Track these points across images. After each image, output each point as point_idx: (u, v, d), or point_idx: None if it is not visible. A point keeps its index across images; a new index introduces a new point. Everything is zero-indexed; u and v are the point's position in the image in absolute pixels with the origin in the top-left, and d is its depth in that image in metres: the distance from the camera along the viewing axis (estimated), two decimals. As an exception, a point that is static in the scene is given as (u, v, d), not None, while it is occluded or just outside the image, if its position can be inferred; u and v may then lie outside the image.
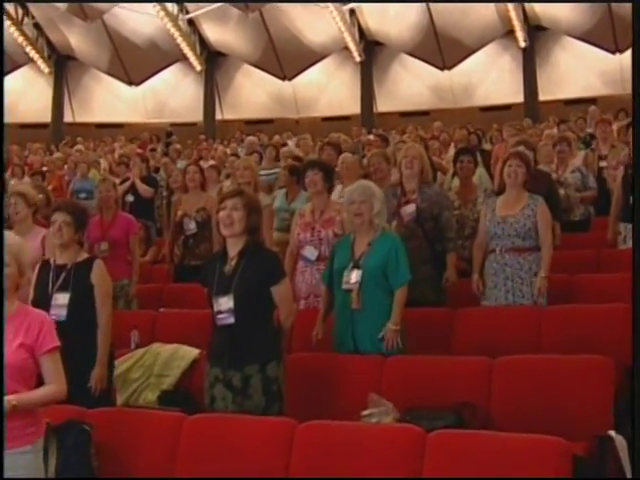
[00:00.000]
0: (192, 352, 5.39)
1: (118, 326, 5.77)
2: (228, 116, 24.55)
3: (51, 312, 4.73)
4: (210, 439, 4.22)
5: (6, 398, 3.47)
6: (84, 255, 5.22)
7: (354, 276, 5.07)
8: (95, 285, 5.05)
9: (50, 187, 10.69)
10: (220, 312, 4.58)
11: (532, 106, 21.49)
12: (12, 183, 11.37)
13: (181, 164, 12.29)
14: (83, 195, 10.77)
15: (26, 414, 3.57)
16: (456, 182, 7.48)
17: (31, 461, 3.60)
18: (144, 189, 9.93)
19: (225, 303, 4.55)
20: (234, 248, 4.65)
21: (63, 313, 4.91)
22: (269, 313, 4.67)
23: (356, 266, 5.10)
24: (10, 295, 3.67)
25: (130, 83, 24.75)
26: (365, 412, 4.40)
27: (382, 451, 3.89)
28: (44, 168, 12.87)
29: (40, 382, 3.68)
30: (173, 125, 22.03)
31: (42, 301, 4.81)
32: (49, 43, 24.78)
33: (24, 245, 3.80)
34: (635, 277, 3.93)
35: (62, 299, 4.96)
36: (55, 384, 3.66)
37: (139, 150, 14.73)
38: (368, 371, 4.94)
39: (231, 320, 4.54)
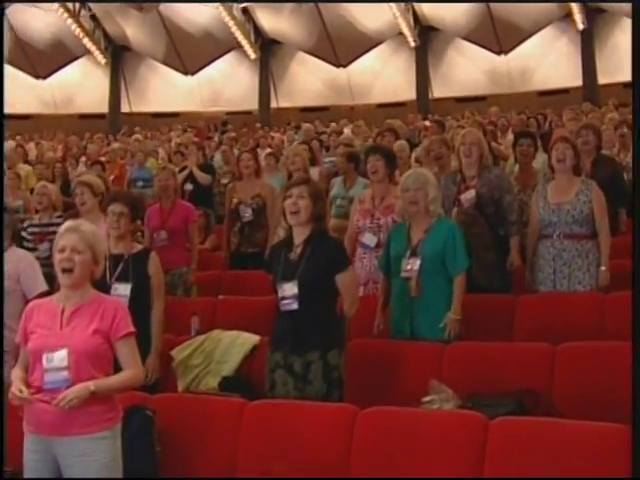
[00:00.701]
0: (252, 338, 5.41)
1: (178, 313, 5.86)
2: (283, 104, 24.60)
3: None
4: (271, 425, 4.24)
5: (85, 384, 3.53)
6: (138, 246, 5.32)
7: (412, 264, 5.04)
8: (152, 277, 5.17)
9: (111, 177, 10.83)
10: (284, 298, 4.59)
11: (591, 89, 21.17)
12: (75, 173, 11.55)
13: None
14: (140, 184, 10.86)
15: (105, 400, 3.63)
16: (517, 168, 7.38)
17: (110, 446, 3.65)
18: (202, 177, 9.97)
19: (289, 289, 4.56)
20: (300, 236, 4.67)
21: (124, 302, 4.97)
22: (333, 301, 4.67)
23: (414, 254, 5.07)
24: (85, 283, 3.72)
25: (186, 72, 24.92)
26: (426, 399, 4.40)
27: (444, 438, 3.87)
28: (102, 158, 13.00)
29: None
30: (228, 114, 22.14)
31: (99, 289, 4.87)
32: (105, 35, 25.07)
33: (98, 233, 3.84)
34: (635, 279, 3.93)
35: (123, 289, 5.03)
36: (132, 369, 3.71)
37: (195, 139, 14.80)
38: (428, 357, 4.91)
39: (295, 306, 4.55)
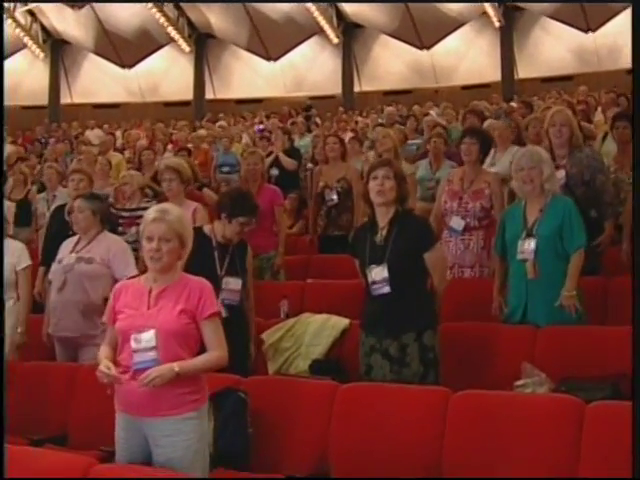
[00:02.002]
0: (342, 322, 5.42)
1: (267, 297, 5.91)
2: (366, 88, 24.48)
3: (223, 296, 4.93)
4: (363, 408, 4.24)
5: (169, 365, 3.58)
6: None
7: (529, 245, 4.93)
8: (247, 267, 5.25)
9: (196, 162, 10.96)
10: (375, 282, 4.57)
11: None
12: (164, 157, 11.70)
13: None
14: (226, 169, 10.93)
15: (191, 381, 3.68)
16: (607, 147, 7.21)
17: (196, 426, 3.70)
18: (288, 162, 9.99)
19: (379, 273, 4.54)
20: (384, 217, 4.64)
21: (236, 298, 5.10)
22: (423, 280, 4.64)
23: (530, 234, 4.96)
24: (172, 265, 3.77)
25: (269, 58, 25.00)
26: (519, 382, 4.35)
27: (539, 422, 3.82)
28: (189, 145, 13.16)
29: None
30: (312, 98, 22.10)
31: (210, 281, 4.96)
32: (189, 23, 25.29)
33: (184, 218, 3.88)
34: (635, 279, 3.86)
35: (234, 284, 5.11)
36: (216, 350, 3.74)
37: (280, 124, 14.86)
38: (520, 341, 4.85)
39: (386, 289, 4.53)
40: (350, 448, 4.21)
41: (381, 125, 9.29)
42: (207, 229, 5.25)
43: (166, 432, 3.64)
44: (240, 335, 4.91)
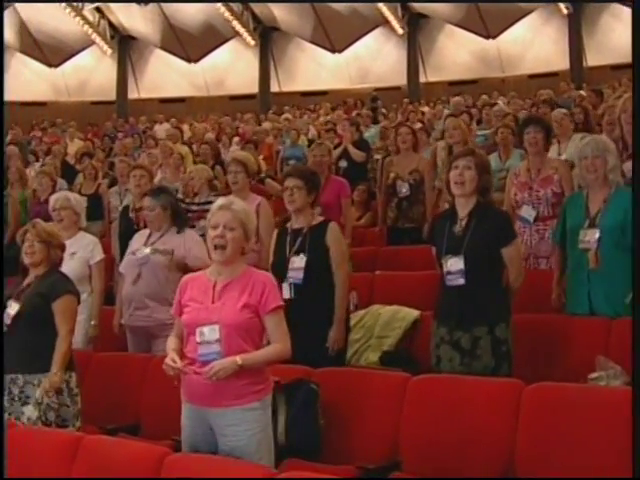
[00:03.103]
0: (412, 313, 5.40)
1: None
2: (431, 78, 24.31)
3: (288, 275, 4.91)
4: (434, 400, 4.22)
5: (233, 358, 3.63)
6: (319, 218, 5.29)
7: (591, 235, 4.87)
8: (330, 247, 5.08)
9: (261, 156, 11.01)
10: (450, 273, 4.53)
11: None
12: (229, 151, 11.79)
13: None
14: (293, 162, 10.94)
15: (253, 373, 3.71)
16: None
17: (260, 416, 3.74)
18: (356, 154, 9.94)
19: (455, 264, 4.50)
20: (464, 208, 4.61)
21: (300, 276, 5.02)
22: (499, 274, 4.58)
23: (592, 224, 4.89)
24: (236, 257, 3.81)
25: (333, 50, 24.99)
26: (592, 375, 4.28)
27: (614, 415, 3.75)
28: (254, 137, 13.22)
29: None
30: (376, 90, 22.03)
31: (280, 265, 4.97)
32: (254, 16, 25.41)
33: (249, 211, 3.93)
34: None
35: (298, 262, 5.05)
36: (279, 343, 3.78)
37: (345, 115, 14.84)
38: (594, 333, 4.77)
39: (461, 281, 4.49)
40: (421, 440, 4.19)
41: (452, 116, 9.19)
42: (289, 223, 5.28)
43: (230, 422, 3.69)
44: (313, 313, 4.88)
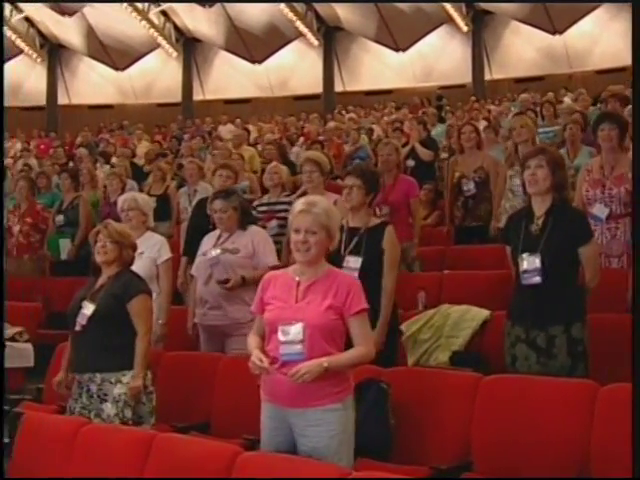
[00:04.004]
0: (483, 313, 5.34)
1: (404, 288, 5.85)
2: (497, 75, 24.06)
3: None
4: (507, 400, 4.17)
5: (318, 360, 3.61)
6: (375, 220, 5.30)
7: None
8: (386, 250, 5.10)
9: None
10: (526, 271, 4.49)
11: None
12: (295, 151, 11.83)
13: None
14: (356, 162, 10.91)
15: (335, 374, 3.69)
16: None
17: (341, 417, 3.73)
18: (424, 152, 9.88)
19: (531, 262, 4.46)
20: (541, 206, 4.56)
21: (354, 275, 5.01)
22: (575, 273, 4.53)
23: None
24: (320, 258, 3.80)
25: (397, 49, 24.90)
26: (670, 375, 4.17)
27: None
28: (321, 137, 13.24)
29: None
30: (441, 88, 21.92)
31: (334, 262, 4.94)
32: (317, 16, 25.46)
33: (332, 210, 3.88)
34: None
35: (354, 262, 5.05)
36: (363, 346, 3.76)
37: (410, 115, 14.78)
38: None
39: (537, 280, 4.45)
40: (493, 440, 4.15)
41: (520, 114, 9.08)
42: (344, 220, 5.28)
43: (311, 422, 3.68)
44: None
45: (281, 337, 3.69)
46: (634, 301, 3.78)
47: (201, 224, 6.43)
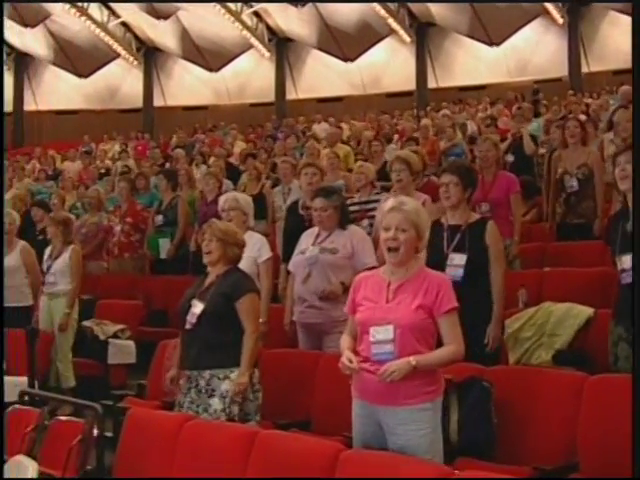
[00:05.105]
0: (586, 311, 5.23)
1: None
2: (594, 68, 23.55)
3: (447, 272, 4.86)
4: (613, 400, 4.06)
5: (407, 359, 3.63)
6: (475, 216, 5.25)
7: None
8: (489, 246, 5.10)
9: (424, 151, 10.91)
10: (624, 270, 4.43)
11: None
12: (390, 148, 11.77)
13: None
14: (452, 159, 10.80)
15: (426, 373, 3.70)
16: None
17: (430, 417, 3.73)
18: (529, 145, 9.67)
19: (628, 261, 4.38)
20: None
21: (459, 273, 5.01)
22: None
23: None
24: (410, 258, 3.81)
25: (491, 44, 24.62)
26: None
27: None
28: (415, 134, 13.15)
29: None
30: (536, 82, 21.56)
31: (437, 260, 4.93)
32: (409, 13, 25.35)
33: (421, 209, 3.91)
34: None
35: (458, 259, 5.05)
36: (453, 345, 3.76)
37: (506, 110, 14.58)
38: None
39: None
40: (600, 441, 4.06)
41: (623, 107, 8.81)
42: (443, 218, 5.24)
43: (401, 420, 3.69)
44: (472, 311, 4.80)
45: (372, 337, 3.73)
46: (634, 298, 3.66)
47: (296, 227, 6.47)
